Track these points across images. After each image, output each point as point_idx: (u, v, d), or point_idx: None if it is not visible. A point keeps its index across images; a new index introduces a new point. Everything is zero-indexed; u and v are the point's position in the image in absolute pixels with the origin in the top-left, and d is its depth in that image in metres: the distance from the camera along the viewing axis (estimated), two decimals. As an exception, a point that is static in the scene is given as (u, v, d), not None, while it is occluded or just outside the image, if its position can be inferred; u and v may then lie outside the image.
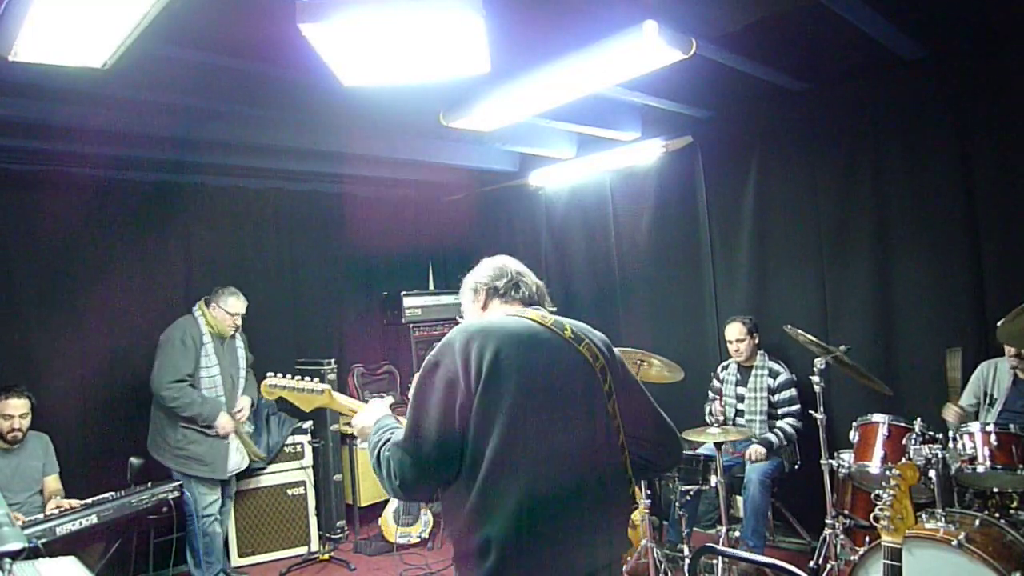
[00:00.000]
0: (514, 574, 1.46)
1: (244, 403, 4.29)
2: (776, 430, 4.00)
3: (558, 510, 1.49)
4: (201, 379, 4.03)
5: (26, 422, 3.62)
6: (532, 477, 1.47)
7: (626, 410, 1.66)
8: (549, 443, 1.50)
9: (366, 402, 1.91)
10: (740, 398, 4.20)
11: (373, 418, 1.77)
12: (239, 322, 4.20)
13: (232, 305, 4.12)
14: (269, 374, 2.05)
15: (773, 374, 4.11)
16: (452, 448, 1.49)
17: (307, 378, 1.99)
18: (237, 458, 4.21)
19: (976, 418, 3.35)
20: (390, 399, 1.92)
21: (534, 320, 1.65)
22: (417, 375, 1.58)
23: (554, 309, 1.80)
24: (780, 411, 4.05)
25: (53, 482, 3.76)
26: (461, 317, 1.86)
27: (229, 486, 4.31)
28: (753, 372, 4.16)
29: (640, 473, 1.73)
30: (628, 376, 1.73)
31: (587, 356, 1.63)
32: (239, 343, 4.36)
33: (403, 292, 5.69)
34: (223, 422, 4.02)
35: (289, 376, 2.00)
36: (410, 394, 1.57)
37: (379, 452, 1.60)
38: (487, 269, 1.84)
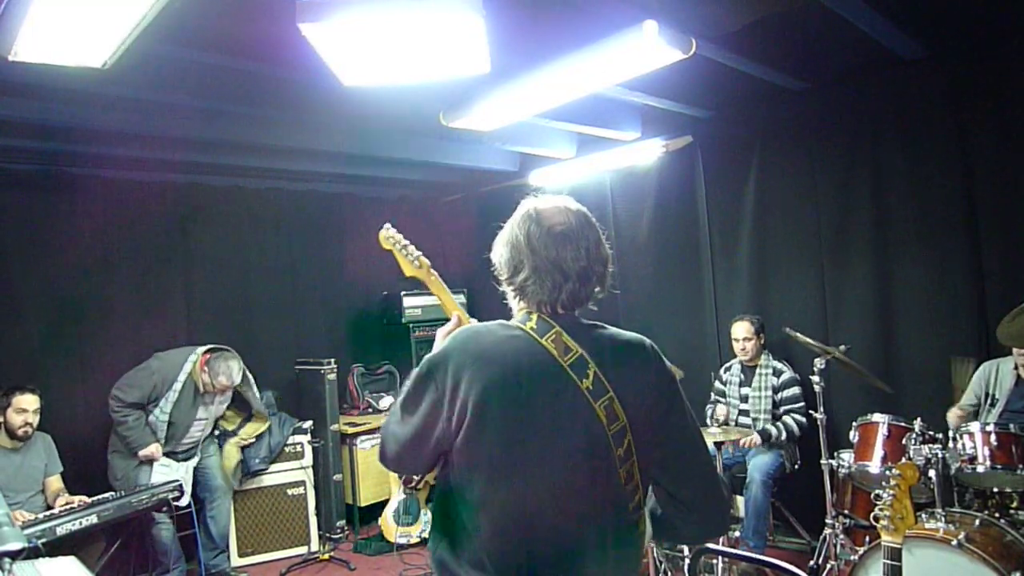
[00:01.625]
0: None
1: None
2: (778, 423, 4.00)
3: None
4: (150, 414, 3.97)
5: (36, 419, 3.64)
6: (512, 550, 1.29)
7: (665, 463, 1.41)
8: (533, 512, 1.30)
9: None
10: (744, 398, 4.21)
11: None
12: (222, 391, 4.13)
13: (219, 380, 4.03)
14: (387, 225, 1.87)
15: (777, 373, 4.11)
16: (418, 461, 1.40)
17: (413, 247, 1.84)
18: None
19: (976, 417, 3.35)
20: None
21: (552, 352, 1.33)
22: (414, 371, 1.41)
23: (606, 293, 1.46)
24: (784, 408, 4.05)
25: (56, 482, 3.77)
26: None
27: (211, 490, 4.26)
28: (757, 372, 4.17)
29: (662, 533, 1.46)
30: (675, 421, 1.43)
31: (602, 417, 1.31)
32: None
33: (403, 292, 5.68)
34: (147, 452, 3.90)
35: (402, 236, 1.85)
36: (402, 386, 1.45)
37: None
38: (510, 245, 1.47)
